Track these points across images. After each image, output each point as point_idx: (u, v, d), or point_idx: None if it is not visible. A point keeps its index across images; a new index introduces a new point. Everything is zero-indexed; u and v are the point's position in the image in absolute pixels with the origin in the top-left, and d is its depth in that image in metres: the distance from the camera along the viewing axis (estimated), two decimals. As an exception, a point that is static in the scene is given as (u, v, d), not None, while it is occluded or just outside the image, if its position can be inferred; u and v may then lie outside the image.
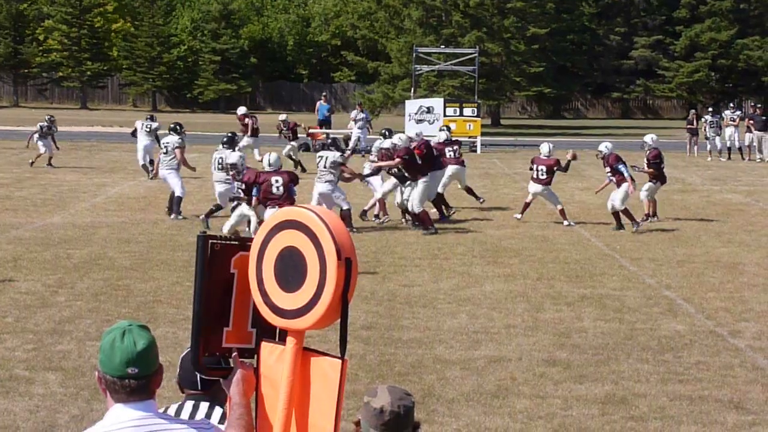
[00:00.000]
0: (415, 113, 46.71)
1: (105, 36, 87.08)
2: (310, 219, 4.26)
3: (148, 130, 32.58)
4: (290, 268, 4.30)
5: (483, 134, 48.22)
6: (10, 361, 12.16)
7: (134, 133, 33.06)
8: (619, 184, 23.67)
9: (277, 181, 19.39)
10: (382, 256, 19.80)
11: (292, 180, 19.68)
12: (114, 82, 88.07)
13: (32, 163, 33.93)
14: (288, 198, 19.18)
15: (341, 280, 4.18)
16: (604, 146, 24.40)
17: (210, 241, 4.52)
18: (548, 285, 17.37)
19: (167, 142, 25.33)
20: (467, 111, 47.29)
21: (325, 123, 48.99)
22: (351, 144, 36.03)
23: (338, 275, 4.17)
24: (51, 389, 11.20)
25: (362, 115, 43.98)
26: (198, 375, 5.07)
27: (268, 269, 4.37)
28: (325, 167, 22.48)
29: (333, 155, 22.59)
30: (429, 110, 46.84)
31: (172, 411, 5.16)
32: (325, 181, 22.48)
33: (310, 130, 46.29)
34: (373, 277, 17.47)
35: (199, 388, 5.21)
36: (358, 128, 42.57)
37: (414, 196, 23.21)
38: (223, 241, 4.57)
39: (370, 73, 71.34)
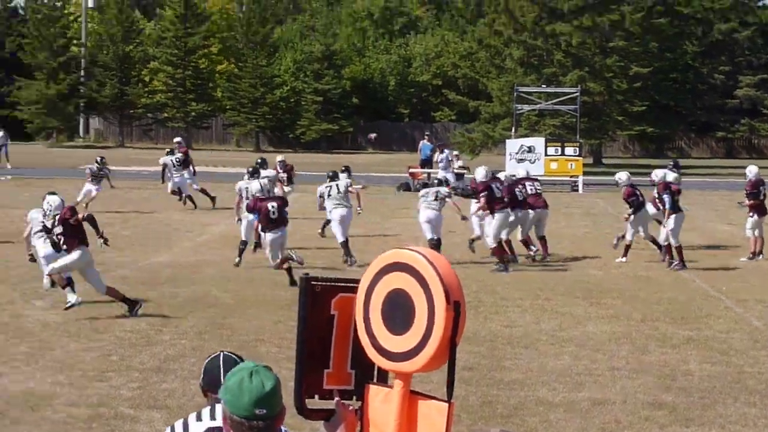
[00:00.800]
0: (516, 152, 46.59)
1: (209, 77, 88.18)
2: (419, 261, 4.25)
3: (178, 163, 33.64)
4: (398, 311, 4.30)
5: (585, 173, 47.94)
6: (115, 399, 12.29)
7: (165, 170, 34.09)
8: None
9: (273, 206, 21.15)
10: (484, 295, 19.73)
11: (285, 204, 21.84)
12: (218, 123, 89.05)
13: (86, 205, 33.28)
14: (284, 221, 21.25)
15: (450, 324, 4.17)
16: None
17: (312, 282, 4.53)
18: (652, 326, 17.16)
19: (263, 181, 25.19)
20: (569, 150, 47.09)
21: (427, 163, 48.88)
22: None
23: (447, 318, 4.16)
24: (155, 428, 11.29)
25: (443, 155, 43.96)
26: (222, 375, 5.18)
27: (375, 311, 4.37)
28: (435, 199, 23.79)
29: (442, 189, 24.16)
30: (530, 149, 46.69)
31: (206, 413, 5.34)
32: (433, 209, 23.74)
33: (411, 170, 46.37)
34: (475, 317, 17.41)
35: None
36: (442, 169, 42.49)
37: (489, 230, 23.40)
38: (325, 283, 4.58)
39: (471, 112, 71.33)
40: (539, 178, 28.92)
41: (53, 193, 18.34)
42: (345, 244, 23.64)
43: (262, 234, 21.62)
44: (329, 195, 24.39)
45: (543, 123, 62.64)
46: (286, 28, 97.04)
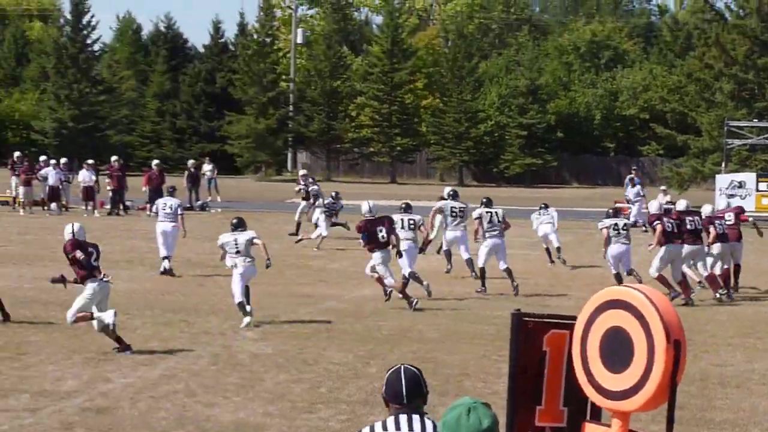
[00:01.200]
0: (726, 188, 45.64)
1: (414, 112, 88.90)
2: (638, 299, 4.19)
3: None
4: (616, 349, 4.24)
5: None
6: (324, 431, 12.42)
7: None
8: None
9: (380, 230, 21.86)
10: (694, 334, 19.30)
11: (392, 225, 22.34)
12: (422, 157, 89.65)
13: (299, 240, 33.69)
14: (387, 242, 21.89)
15: (670, 363, 4.10)
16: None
17: (524, 318, 4.51)
18: None
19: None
20: (781, 185, 45.92)
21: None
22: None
23: (667, 357, 4.09)
24: (363, 460, 11.38)
25: (634, 189, 43.34)
26: (404, 388, 5.81)
27: (593, 349, 4.33)
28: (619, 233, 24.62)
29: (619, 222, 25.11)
30: (741, 185, 45.69)
31: (391, 423, 5.77)
32: (623, 243, 24.56)
33: (616, 204, 45.82)
34: (685, 355, 17.02)
35: (405, 401, 5.84)
36: (633, 202, 42.05)
37: (653, 261, 23.75)
38: (537, 319, 4.55)
39: (679, 146, 70.12)
40: (753, 214, 28.33)
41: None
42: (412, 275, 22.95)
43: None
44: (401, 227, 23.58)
45: (754, 158, 61.18)
46: (491, 63, 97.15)
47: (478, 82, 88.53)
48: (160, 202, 27.63)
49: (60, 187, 43.92)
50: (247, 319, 19.38)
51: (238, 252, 20.19)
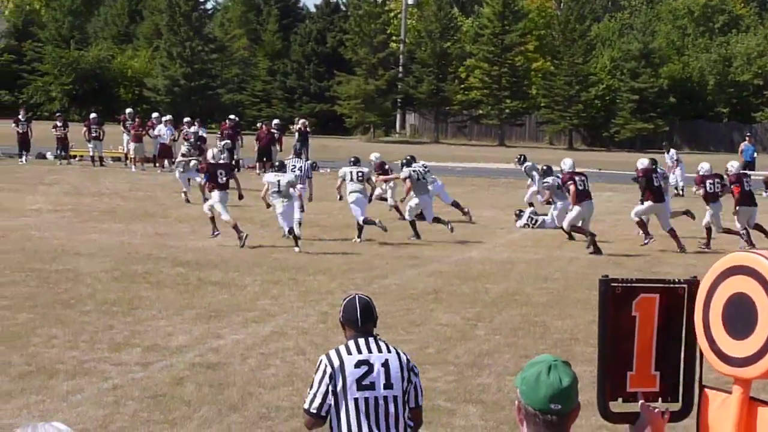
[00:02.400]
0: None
1: (524, 75, 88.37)
2: (762, 265, 4.11)
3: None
4: (739, 315, 4.17)
5: None
6: (432, 392, 12.43)
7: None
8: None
9: (221, 172, 24.74)
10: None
11: (231, 170, 25.87)
12: (531, 120, 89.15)
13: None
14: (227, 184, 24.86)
15: (794, 328, 4.02)
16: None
17: (612, 284, 4.49)
18: None
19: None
20: None
21: (750, 165, 47.40)
22: None
23: (791, 323, 4.02)
24: (471, 422, 11.38)
25: (669, 154, 43.28)
26: (358, 313, 6.97)
27: (715, 315, 4.26)
28: None
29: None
30: None
31: (353, 346, 6.93)
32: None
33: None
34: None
35: (359, 325, 6.99)
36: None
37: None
38: (625, 284, 4.52)
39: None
40: None
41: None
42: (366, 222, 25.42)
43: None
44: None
45: None
46: (604, 26, 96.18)
47: (589, 45, 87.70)
48: (288, 164, 26.48)
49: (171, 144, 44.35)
50: (296, 249, 23.07)
51: (278, 192, 23.27)
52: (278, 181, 23.43)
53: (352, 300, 7.06)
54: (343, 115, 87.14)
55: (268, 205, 24.38)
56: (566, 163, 26.08)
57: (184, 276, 19.64)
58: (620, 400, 4.59)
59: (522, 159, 33.31)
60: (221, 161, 26.10)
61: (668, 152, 44.11)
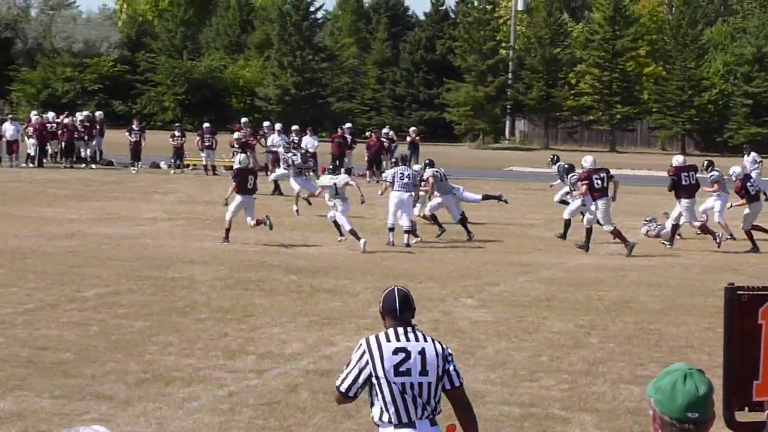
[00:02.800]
0: None
1: (636, 80, 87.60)
2: None
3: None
4: None
5: None
6: (546, 399, 12.36)
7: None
8: None
9: (250, 177, 25.58)
10: None
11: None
12: (643, 126, 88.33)
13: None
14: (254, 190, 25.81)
15: None
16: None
17: (737, 292, 4.42)
18: None
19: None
20: None
21: None
22: None
23: None
24: (587, 430, 11.28)
25: (749, 158, 42.96)
26: (397, 304, 7.40)
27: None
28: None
29: None
30: None
31: (392, 334, 7.36)
32: None
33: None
34: None
35: (398, 315, 7.43)
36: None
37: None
38: (751, 292, 4.45)
39: None
40: None
41: None
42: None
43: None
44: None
45: None
46: (716, 30, 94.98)
47: (701, 49, 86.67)
48: (397, 171, 26.47)
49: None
50: (362, 241, 24.05)
51: (337, 194, 24.72)
52: (334, 184, 24.95)
53: (392, 291, 7.49)
54: (452, 122, 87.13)
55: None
56: (587, 161, 26.15)
57: (297, 283, 19.77)
58: (746, 409, 4.53)
59: (555, 159, 34.00)
60: (249, 167, 27.11)
61: (748, 155, 44.12)
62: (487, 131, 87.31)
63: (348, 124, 50.20)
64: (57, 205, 32.04)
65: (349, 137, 46.70)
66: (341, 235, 25.18)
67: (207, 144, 46.05)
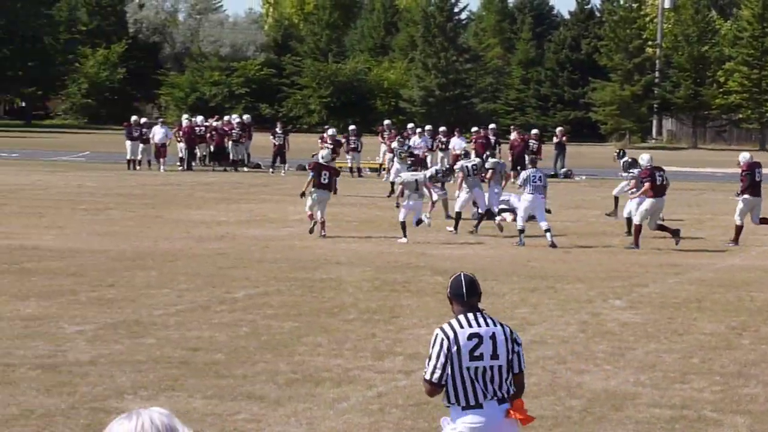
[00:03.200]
0: None
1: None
2: None
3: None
4: None
5: None
6: (697, 402, 12.19)
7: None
8: None
9: (325, 174, 26.20)
10: None
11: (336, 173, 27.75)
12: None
13: None
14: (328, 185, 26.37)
15: None
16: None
17: None
18: None
19: None
20: None
21: None
22: None
23: None
24: (740, 433, 11.13)
25: None
26: (464, 288, 7.87)
27: None
28: None
29: None
30: None
31: (463, 320, 7.78)
32: None
33: None
34: None
35: (465, 299, 7.90)
36: None
37: None
38: None
39: None
40: None
41: None
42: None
43: None
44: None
45: None
46: None
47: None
48: (530, 173, 26.13)
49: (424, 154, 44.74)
50: (403, 239, 25.14)
51: (416, 189, 25.74)
52: (416, 180, 26.03)
53: (458, 277, 7.95)
54: (598, 121, 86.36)
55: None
56: (644, 159, 26.32)
57: (443, 285, 19.70)
58: None
59: (621, 153, 33.37)
60: (329, 163, 27.93)
61: None
62: (633, 130, 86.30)
63: (492, 125, 50.10)
64: (206, 207, 32.58)
65: (492, 138, 46.59)
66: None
67: (352, 146, 46.38)
